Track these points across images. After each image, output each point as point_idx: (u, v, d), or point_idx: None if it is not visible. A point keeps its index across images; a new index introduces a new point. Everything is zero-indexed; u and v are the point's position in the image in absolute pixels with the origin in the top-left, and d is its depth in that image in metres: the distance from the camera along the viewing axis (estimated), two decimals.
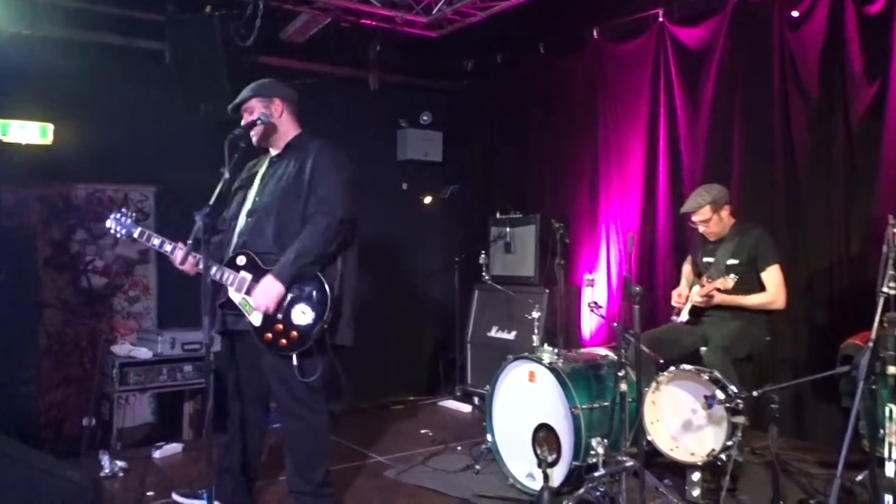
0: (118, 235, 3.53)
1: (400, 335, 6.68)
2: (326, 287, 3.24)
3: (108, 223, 3.54)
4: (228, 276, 3.31)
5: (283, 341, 3.23)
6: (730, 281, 3.91)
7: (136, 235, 3.47)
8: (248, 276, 3.29)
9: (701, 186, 4.32)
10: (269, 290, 3.21)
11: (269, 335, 3.26)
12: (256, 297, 3.23)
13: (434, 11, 5.68)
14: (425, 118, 6.88)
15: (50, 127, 5.06)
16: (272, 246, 3.32)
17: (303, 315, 3.23)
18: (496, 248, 6.12)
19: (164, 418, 5.41)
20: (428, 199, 6.98)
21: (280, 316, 3.25)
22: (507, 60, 6.60)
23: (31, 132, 5.00)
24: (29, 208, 5.15)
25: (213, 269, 3.30)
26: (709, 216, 4.18)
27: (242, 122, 3.44)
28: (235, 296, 3.31)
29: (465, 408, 5.88)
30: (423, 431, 5.18)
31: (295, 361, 3.23)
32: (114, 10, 5.25)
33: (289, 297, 3.25)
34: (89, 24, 5.21)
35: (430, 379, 6.71)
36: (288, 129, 3.49)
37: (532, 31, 6.14)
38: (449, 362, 6.45)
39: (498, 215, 6.20)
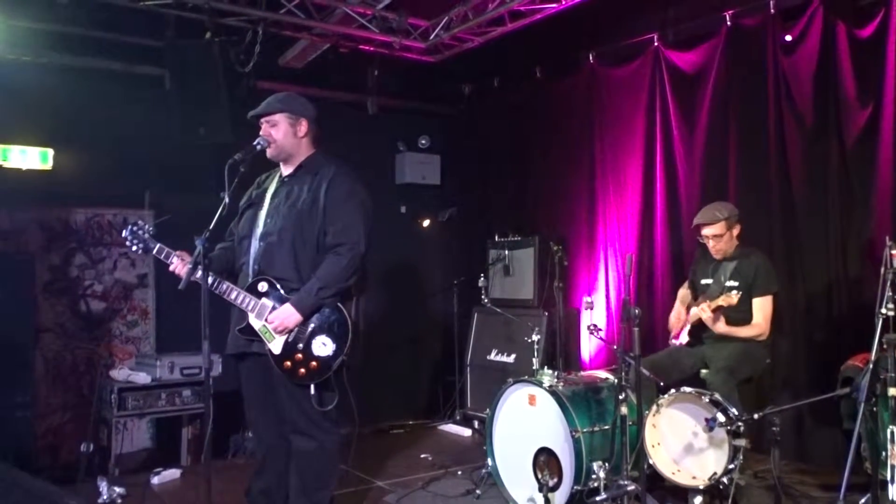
0: (133, 249, 3.38)
1: (399, 359, 6.66)
2: (349, 320, 3.26)
3: (125, 234, 3.38)
4: (249, 301, 3.29)
5: (302, 371, 3.23)
6: (734, 297, 3.91)
7: (154, 252, 3.36)
8: (269, 304, 3.28)
9: (715, 203, 4.34)
10: (287, 317, 3.22)
11: (289, 363, 3.25)
12: (274, 318, 3.23)
13: (431, 37, 5.76)
14: (423, 142, 6.92)
15: (50, 152, 5.09)
16: (289, 273, 3.31)
17: (323, 346, 3.24)
18: (495, 270, 6.13)
19: (162, 444, 5.39)
20: (426, 223, 7.00)
21: (301, 346, 3.24)
22: (504, 84, 6.66)
23: (32, 157, 5.04)
24: (28, 233, 5.16)
25: (234, 294, 3.30)
26: (722, 231, 4.20)
27: (261, 132, 3.38)
28: (256, 322, 3.30)
29: (465, 431, 5.85)
30: (423, 456, 5.14)
31: (313, 391, 3.23)
32: (114, 37, 5.31)
33: (310, 327, 3.25)
34: (89, 50, 5.26)
35: (430, 402, 6.68)
36: (304, 150, 3.46)
37: (528, 56, 6.21)
38: (448, 385, 6.43)
39: (496, 238, 6.22)
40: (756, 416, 3.36)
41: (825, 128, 4.51)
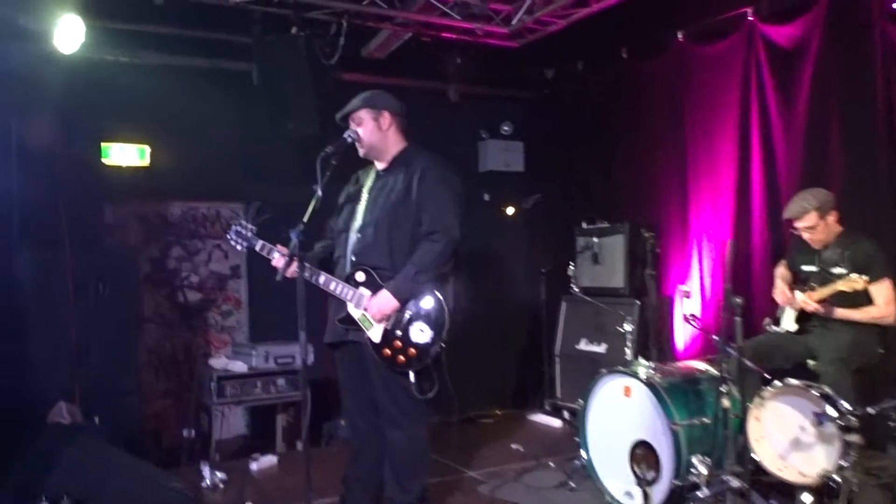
0: (238, 248, 3.54)
1: (485, 347, 6.61)
2: (445, 307, 3.28)
3: (230, 235, 3.53)
4: (348, 292, 3.35)
5: (402, 358, 3.27)
6: (861, 281, 3.67)
7: (258, 249, 3.48)
8: (367, 293, 3.33)
9: (804, 191, 4.10)
10: (385, 303, 3.26)
11: (388, 351, 3.29)
12: (371, 306, 3.27)
13: (514, 22, 5.65)
14: (506, 128, 6.85)
15: (147, 149, 5.28)
16: (384, 261, 3.35)
17: (421, 333, 3.27)
18: (583, 258, 6.00)
19: (256, 431, 5.54)
20: (510, 210, 6.93)
21: (399, 333, 3.28)
22: (589, 67, 6.51)
23: (130, 154, 5.24)
24: (129, 227, 5.38)
25: (332, 285, 3.36)
26: (815, 223, 3.97)
27: (350, 129, 3.45)
28: (355, 312, 3.35)
29: (556, 422, 5.79)
30: (513, 446, 5.11)
31: (413, 378, 3.26)
32: (204, 35, 5.44)
33: (408, 314, 3.28)
34: (181, 49, 5.42)
35: (517, 392, 6.64)
36: (394, 143, 3.52)
37: (613, 37, 6.02)
38: (536, 375, 6.37)
39: (584, 225, 6.09)
40: (871, 410, 3.17)
41: None
